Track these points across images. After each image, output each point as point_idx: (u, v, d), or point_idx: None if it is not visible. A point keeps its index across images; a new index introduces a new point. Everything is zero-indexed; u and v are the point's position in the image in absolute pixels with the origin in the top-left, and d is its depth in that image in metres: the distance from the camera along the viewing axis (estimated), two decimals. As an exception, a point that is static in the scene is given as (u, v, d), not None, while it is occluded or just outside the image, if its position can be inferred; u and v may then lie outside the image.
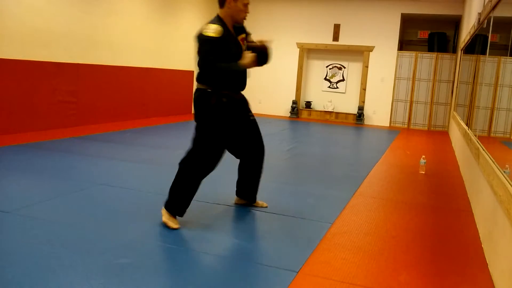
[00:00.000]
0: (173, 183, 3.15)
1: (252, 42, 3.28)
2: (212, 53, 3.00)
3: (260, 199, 3.67)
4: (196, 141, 3.13)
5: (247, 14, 3.17)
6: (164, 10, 9.43)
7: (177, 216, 3.13)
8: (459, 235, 3.37)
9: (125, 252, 2.62)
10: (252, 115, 3.42)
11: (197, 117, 3.16)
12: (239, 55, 3.13)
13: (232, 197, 3.66)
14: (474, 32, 5.97)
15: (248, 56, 3.07)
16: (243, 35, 3.27)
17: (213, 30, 3.01)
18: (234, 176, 3.57)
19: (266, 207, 3.64)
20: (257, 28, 11.80)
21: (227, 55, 3.06)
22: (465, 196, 4.51)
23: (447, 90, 10.62)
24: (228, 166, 3.69)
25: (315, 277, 2.46)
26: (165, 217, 3.10)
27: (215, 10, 3.25)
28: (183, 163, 3.13)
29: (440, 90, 10.68)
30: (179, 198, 3.11)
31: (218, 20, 3.11)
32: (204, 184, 3.21)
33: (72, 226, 2.97)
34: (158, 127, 8.05)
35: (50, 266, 2.37)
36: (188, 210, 3.13)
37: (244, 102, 3.34)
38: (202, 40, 3.02)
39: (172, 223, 3.06)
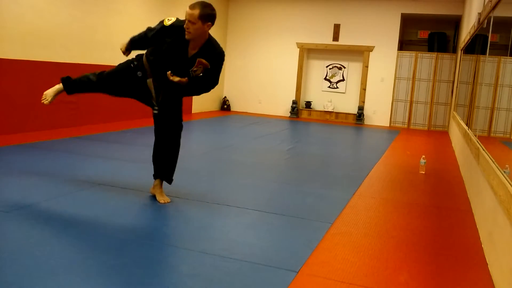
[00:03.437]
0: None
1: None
2: (151, 31, 3.30)
3: (260, 199, 3.65)
4: None
5: (187, 32, 3.16)
6: (165, 10, 9.42)
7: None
8: (459, 235, 3.37)
9: (125, 252, 2.62)
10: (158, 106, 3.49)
11: None
12: (177, 65, 3.28)
13: (236, 200, 3.66)
14: (474, 32, 5.97)
15: (175, 78, 3.22)
16: (203, 60, 3.27)
17: (170, 20, 3.27)
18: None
19: (169, 201, 3.54)
20: (257, 28, 11.84)
21: (158, 49, 3.35)
22: (465, 196, 4.51)
23: (447, 90, 10.62)
24: (233, 170, 3.68)
25: (315, 277, 2.46)
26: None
27: (217, 11, 3.26)
28: None
29: (440, 90, 10.68)
30: None
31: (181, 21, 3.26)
32: (204, 184, 3.20)
33: (72, 226, 2.97)
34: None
35: (50, 266, 2.37)
36: (191, 207, 3.12)
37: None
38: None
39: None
